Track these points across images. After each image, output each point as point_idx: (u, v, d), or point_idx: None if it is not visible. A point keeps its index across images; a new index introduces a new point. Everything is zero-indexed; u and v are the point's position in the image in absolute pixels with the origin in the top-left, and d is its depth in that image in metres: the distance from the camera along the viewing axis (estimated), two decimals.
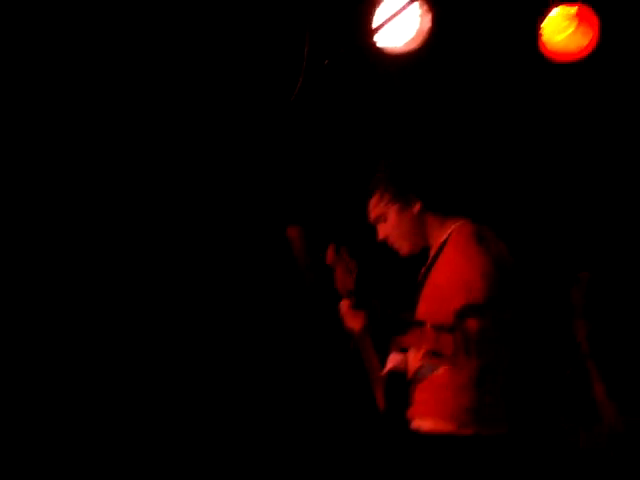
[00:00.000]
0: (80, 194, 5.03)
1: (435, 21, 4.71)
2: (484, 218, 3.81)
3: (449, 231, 3.80)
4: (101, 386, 5.11)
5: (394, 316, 3.73)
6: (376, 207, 3.97)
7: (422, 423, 3.66)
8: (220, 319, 5.30)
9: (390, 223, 3.97)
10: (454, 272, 3.65)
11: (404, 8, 4.50)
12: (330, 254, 3.77)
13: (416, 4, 4.70)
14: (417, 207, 3.85)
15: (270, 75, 4.66)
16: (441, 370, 3.61)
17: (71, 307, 5.09)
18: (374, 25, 4.72)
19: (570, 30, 4.81)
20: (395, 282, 4.13)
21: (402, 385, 3.93)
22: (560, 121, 5.27)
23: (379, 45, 4.69)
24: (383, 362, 4.16)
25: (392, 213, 3.95)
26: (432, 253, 3.84)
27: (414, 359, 3.78)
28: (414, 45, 4.88)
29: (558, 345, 5.35)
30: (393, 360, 4.05)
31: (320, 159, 5.11)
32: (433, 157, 4.02)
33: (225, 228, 5.17)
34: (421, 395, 3.71)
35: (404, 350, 4.04)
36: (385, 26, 4.56)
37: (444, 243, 3.78)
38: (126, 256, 5.13)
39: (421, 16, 4.81)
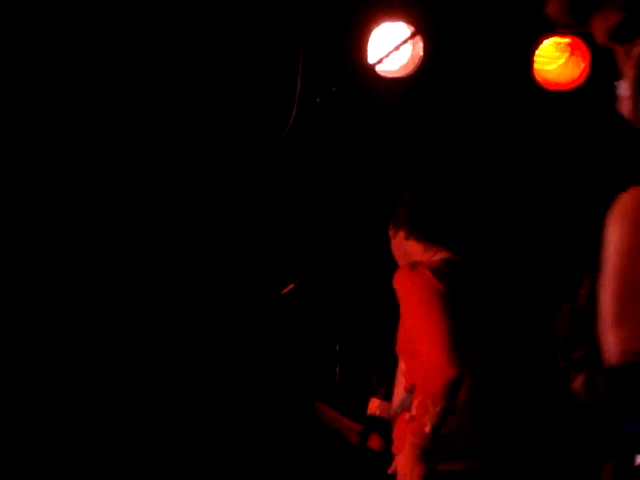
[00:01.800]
0: (79, 194, 5.03)
1: (429, 47, 4.74)
2: (467, 248, 3.83)
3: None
4: (100, 386, 5.14)
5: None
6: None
7: (398, 459, 3.70)
8: (219, 319, 5.33)
9: (392, 249, 4.04)
10: (406, 313, 3.70)
11: (404, 42, 4.51)
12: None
13: (409, 31, 4.71)
14: (402, 233, 3.91)
15: (261, 112, 4.67)
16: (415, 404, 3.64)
17: (70, 307, 5.11)
18: (370, 56, 4.74)
19: (562, 60, 4.85)
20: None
21: (382, 429, 3.98)
22: (553, 149, 5.28)
23: (376, 70, 4.71)
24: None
25: (392, 240, 4.03)
26: None
27: (398, 393, 3.82)
28: (408, 71, 4.90)
29: (542, 376, 5.37)
30: (372, 405, 4.10)
31: (314, 195, 5.14)
32: (431, 186, 4.04)
33: (221, 233, 5.19)
34: (398, 431, 3.74)
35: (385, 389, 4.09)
36: (384, 57, 4.57)
37: None
38: (124, 256, 5.15)
39: (414, 43, 4.83)
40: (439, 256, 3.84)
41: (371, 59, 4.49)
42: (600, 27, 2.09)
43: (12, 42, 4.69)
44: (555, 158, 5.38)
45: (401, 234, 3.90)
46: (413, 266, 3.69)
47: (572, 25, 2.09)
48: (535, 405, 5.29)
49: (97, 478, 5.11)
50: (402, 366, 3.84)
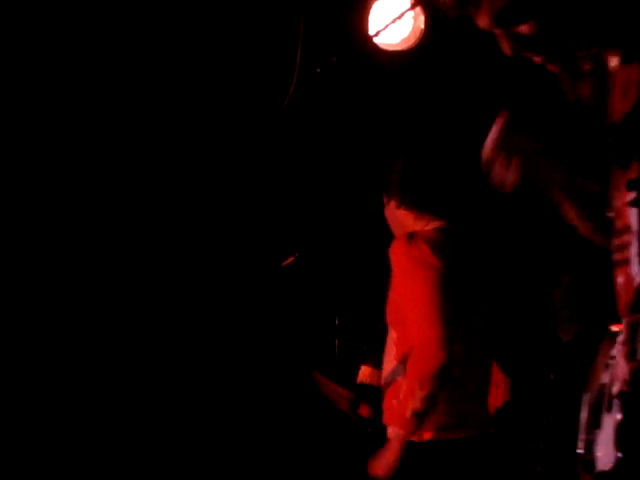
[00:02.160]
0: (76, 194, 5.04)
1: (429, 20, 4.72)
2: (462, 218, 3.81)
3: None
4: (99, 386, 5.15)
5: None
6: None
7: (389, 430, 3.70)
8: (219, 293, 5.33)
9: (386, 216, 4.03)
10: (400, 292, 3.69)
11: (404, 13, 4.49)
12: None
13: (409, 3, 4.69)
14: (394, 202, 3.90)
15: (261, 83, 4.66)
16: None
17: (69, 307, 5.12)
18: (371, 27, 4.72)
19: None
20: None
21: (372, 397, 3.98)
22: (548, 119, 5.26)
23: (376, 42, 4.69)
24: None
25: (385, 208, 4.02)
26: None
27: (389, 362, 3.81)
28: (409, 44, 4.88)
29: (541, 347, 5.38)
30: (363, 373, 4.10)
31: (313, 166, 5.13)
32: (425, 156, 4.03)
33: (219, 228, 5.20)
34: (388, 401, 3.74)
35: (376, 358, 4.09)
36: (383, 29, 4.55)
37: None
38: (121, 257, 5.15)
39: (415, 15, 4.81)
40: (432, 225, 3.82)
41: (372, 30, 4.47)
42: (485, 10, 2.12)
43: (12, 42, 4.70)
44: (549, 127, 5.36)
45: (393, 203, 3.89)
46: (411, 238, 3.67)
47: (455, 9, 2.11)
48: (529, 374, 5.32)
49: (96, 478, 5.14)
50: (393, 335, 3.83)
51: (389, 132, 5.11)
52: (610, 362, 2.10)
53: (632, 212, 2.13)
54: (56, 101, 4.86)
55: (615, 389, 2.03)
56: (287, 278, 4.65)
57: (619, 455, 2.00)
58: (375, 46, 4.63)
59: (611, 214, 2.20)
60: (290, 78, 3.96)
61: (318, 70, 3.93)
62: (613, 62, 2.22)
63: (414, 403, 3.46)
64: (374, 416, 3.97)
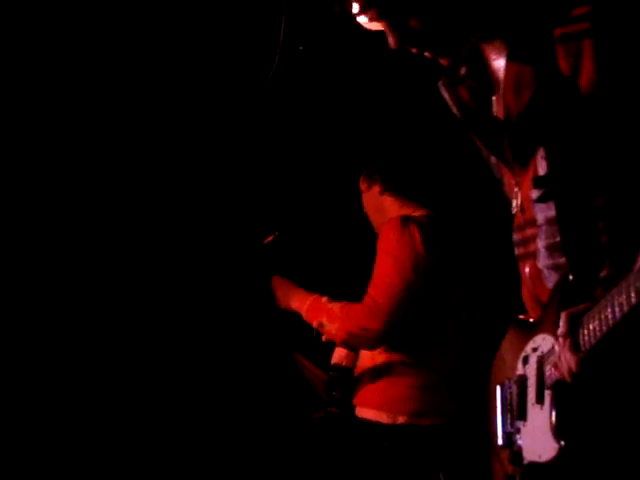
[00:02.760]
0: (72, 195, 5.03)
1: None
2: (446, 207, 3.81)
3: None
4: (98, 386, 5.15)
5: None
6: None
7: (363, 412, 3.72)
8: (198, 274, 5.33)
9: (364, 202, 4.01)
10: (378, 267, 3.70)
11: None
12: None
13: None
14: (377, 188, 3.89)
15: (244, 61, 4.64)
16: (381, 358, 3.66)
17: (67, 307, 5.11)
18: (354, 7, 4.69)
19: None
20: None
21: (346, 377, 4.00)
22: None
23: (360, 23, 4.67)
24: None
25: (363, 193, 4.00)
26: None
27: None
28: None
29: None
30: (337, 354, 4.12)
31: (296, 143, 5.12)
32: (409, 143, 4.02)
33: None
34: (364, 383, 3.76)
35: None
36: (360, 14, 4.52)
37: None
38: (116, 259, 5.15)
39: None
40: (419, 212, 3.82)
41: (355, 9, 4.44)
42: None
43: (9, 42, 4.68)
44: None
45: (375, 189, 3.89)
46: (405, 222, 3.68)
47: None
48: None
49: (96, 478, 5.13)
50: None
51: (372, 116, 5.11)
52: (530, 354, 2.10)
53: (538, 208, 2.16)
54: (44, 100, 4.85)
55: (549, 381, 2.05)
56: (267, 257, 4.65)
57: (562, 444, 2.01)
58: (359, 26, 4.61)
59: (512, 210, 2.23)
60: (273, 56, 3.94)
61: (301, 48, 3.91)
62: (494, 58, 2.22)
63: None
64: (345, 398, 3.99)
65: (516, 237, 2.31)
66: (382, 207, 3.96)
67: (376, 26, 4.91)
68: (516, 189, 2.24)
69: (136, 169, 5.18)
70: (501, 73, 2.22)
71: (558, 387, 2.08)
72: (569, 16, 2.06)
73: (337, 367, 4.19)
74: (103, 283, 5.23)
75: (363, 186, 4.01)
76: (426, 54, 2.18)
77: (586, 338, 1.94)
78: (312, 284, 5.59)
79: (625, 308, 1.86)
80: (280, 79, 4.09)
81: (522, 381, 2.25)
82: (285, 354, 4.43)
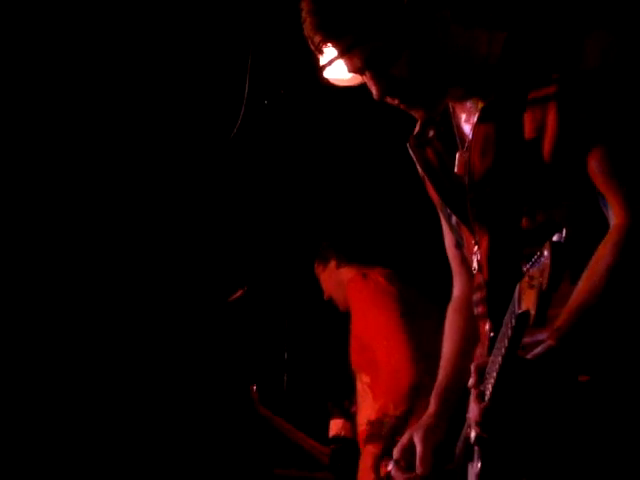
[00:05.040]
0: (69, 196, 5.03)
1: None
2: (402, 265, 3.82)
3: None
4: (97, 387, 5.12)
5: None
6: None
7: None
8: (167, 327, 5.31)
9: (323, 285, 4.04)
10: (361, 320, 3.69)
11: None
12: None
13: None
14: (333, 263, 3.92)
15: (209, 113, 4.66)
16: None
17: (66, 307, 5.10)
18: (321, 60, 4.72)
19: None
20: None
21: (347, 450, 3.98)
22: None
23: (326, 77, 4.70)
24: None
25: (320, 276, 4.03)
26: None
27: (365, 409, 3.78)
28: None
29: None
30: (334, 426, 4.09)
31: (262, 197, 5.13)
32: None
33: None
34: (363, 462, 3.73)
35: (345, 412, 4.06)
36: (332, 61, 4.55)
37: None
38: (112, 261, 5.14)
39: None
40: (376, 269, 3.84)
41: (322, 63, 4.47)
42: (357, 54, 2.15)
43: (9, 42, 4.70)
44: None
45: (331, 265, 3.91)
46: (365, 275, 3.69)
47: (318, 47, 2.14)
48: None
49: (95, 478, 5.08)
50: (363, 379, 3.81)
51: (335, 170, 5.14)
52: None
53: (478, 274, 2.19)
54: (42, 101, 4.87)
55: (472, 436, 2.04)
56: (235, 312, 4.63)
57: None
58: (325, 80, 4.64)
59: (472, 270, 2.24)
60: (238, 110, 3.96)
61: (266, 102, 3.93)
62: (463, 118, 2.24)
63: (390, 422, 3.46)
64: (350, 467, 3.96)
65: (475, 297, 2.30)
66: (341, 279, 3.97)
67: (347, 81, 4.96)
68: (475, 248, 2.23)
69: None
70: (468, 133, 2.23)
71: (480, 441, 2.06)
72: (545, 79, 2.07)
73: (338, 438, 4.17)
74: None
75: (319, 270, 4.03)
76: (402, 106, 2.19)
77: (488, 386, 1.93)
78: (280, 340, 5.58)
79: (502, 351, 1.86)
80: (245, 133, 4.11)
81: (465, 440, 2.24)
82: (253, 410, 4.39)
